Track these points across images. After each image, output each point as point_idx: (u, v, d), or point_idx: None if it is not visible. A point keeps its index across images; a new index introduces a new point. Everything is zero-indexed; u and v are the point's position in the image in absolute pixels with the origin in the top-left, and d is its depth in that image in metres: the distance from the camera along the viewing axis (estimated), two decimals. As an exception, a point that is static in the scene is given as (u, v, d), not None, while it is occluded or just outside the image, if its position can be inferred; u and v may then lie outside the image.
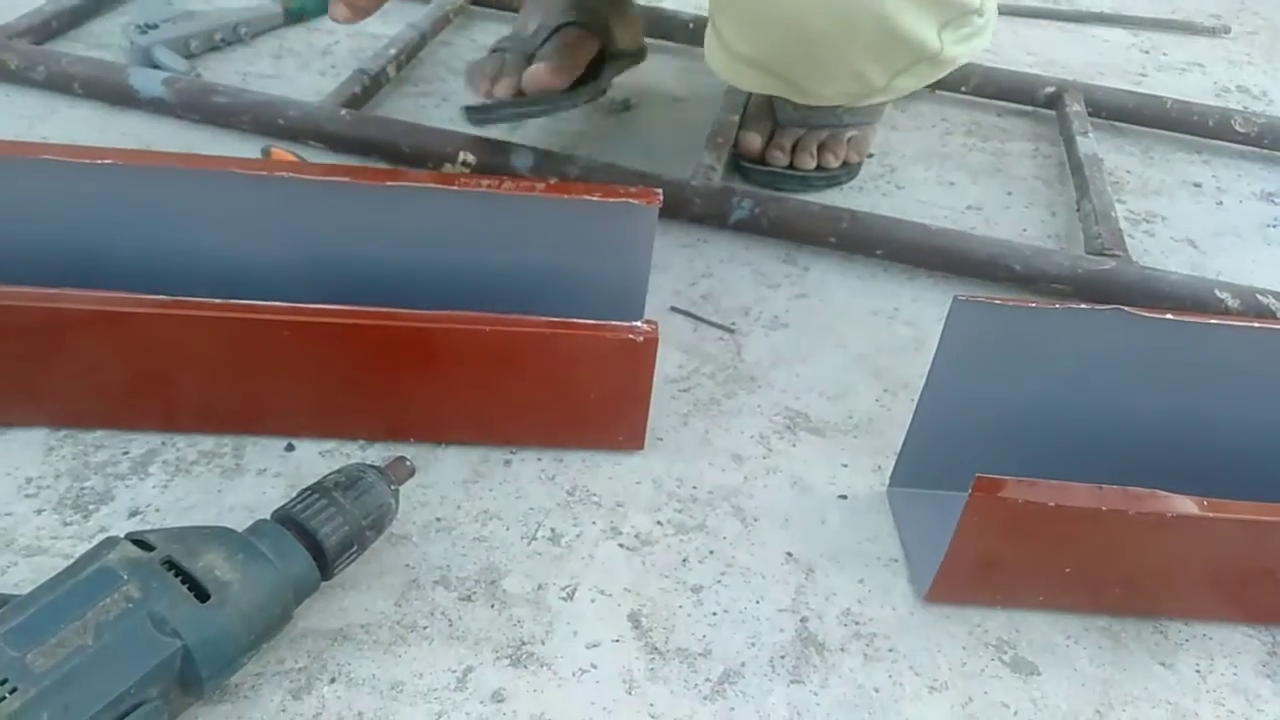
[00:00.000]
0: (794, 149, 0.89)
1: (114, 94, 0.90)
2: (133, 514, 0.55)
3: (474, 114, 0.83)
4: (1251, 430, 0.58)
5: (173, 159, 0.56)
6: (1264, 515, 0.51)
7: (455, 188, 0.56)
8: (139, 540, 0.44)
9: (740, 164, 0.91)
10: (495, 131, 0.85)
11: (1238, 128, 1.04)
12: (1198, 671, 0.54)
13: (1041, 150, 1.02)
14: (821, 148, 0.89)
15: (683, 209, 0.83)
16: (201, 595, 0.43)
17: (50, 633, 0.40)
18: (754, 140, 0.89)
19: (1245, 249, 0.90)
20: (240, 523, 0.49)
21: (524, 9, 0.93)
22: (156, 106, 0.89)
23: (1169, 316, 0.54)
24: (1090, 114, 1.04)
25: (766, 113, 0.91)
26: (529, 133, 0.94)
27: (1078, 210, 0.90)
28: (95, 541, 0.45)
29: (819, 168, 0.89)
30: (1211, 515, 0.51)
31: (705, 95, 1.03)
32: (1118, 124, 1.06)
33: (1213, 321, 0.55)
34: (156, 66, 0.92)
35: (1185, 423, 0.58)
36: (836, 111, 0.88)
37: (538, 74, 0.82)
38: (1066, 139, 1.00)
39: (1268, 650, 0.55)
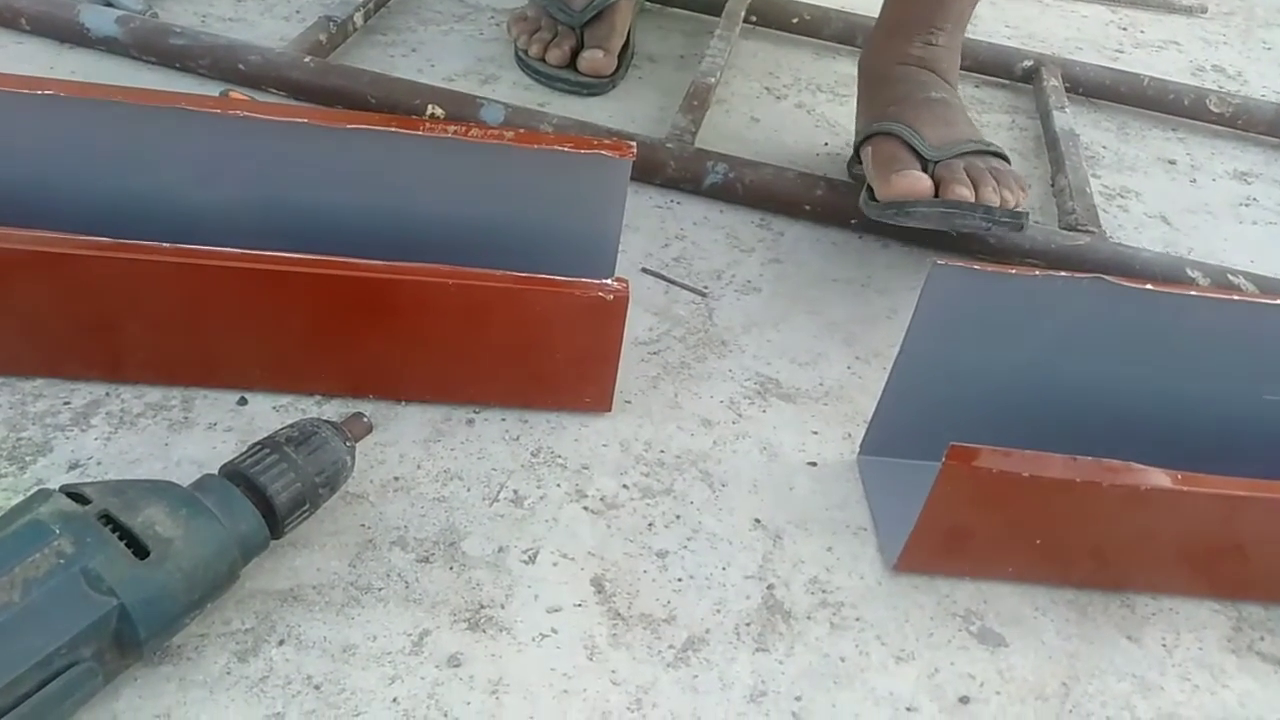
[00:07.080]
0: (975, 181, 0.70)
1: (64, 31, 0.86)
2: (73, 467, 0.52)
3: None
4: (1227, 403, 0.57)
5: (119, 93, 0.52)
6: (1236, 490, 0.51)
7: (420, 132, 0.53)
8: (74, 493, 0.42)
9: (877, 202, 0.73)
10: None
11: (1213, 107, 1.04)
12: (1164, 645, 0.54)
13: (1018, 123, 1.01)
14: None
15: (656, 172, 0.81)
16: (140, 552, 0.41)
17: (-27, 589, 0.37)
18: (919, 182, 0.69)
19: (1218, 226, 0.90)
20: (187, 478, 0.47)
21: None
22: (109, 46, 0.85)
23: (1149, 287, 0.54)
24: (1067, 89, 1.03)
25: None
26: (499, 89, 0.91)
27: (1052, 185, 0.89)
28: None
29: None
30: (1185, 489, 0.50)
31: (680, 56, 1.01)
32: (1095, 100, 1.06)
33: (1192, 293, 0.54)
34: (110, 4, 0.88)
35: (1162, 394, 0.57)
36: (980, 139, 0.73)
37: (596, 62, 0.91)
38: (1043, 113, 0.99)
39: (1233, 625, 0.55)
